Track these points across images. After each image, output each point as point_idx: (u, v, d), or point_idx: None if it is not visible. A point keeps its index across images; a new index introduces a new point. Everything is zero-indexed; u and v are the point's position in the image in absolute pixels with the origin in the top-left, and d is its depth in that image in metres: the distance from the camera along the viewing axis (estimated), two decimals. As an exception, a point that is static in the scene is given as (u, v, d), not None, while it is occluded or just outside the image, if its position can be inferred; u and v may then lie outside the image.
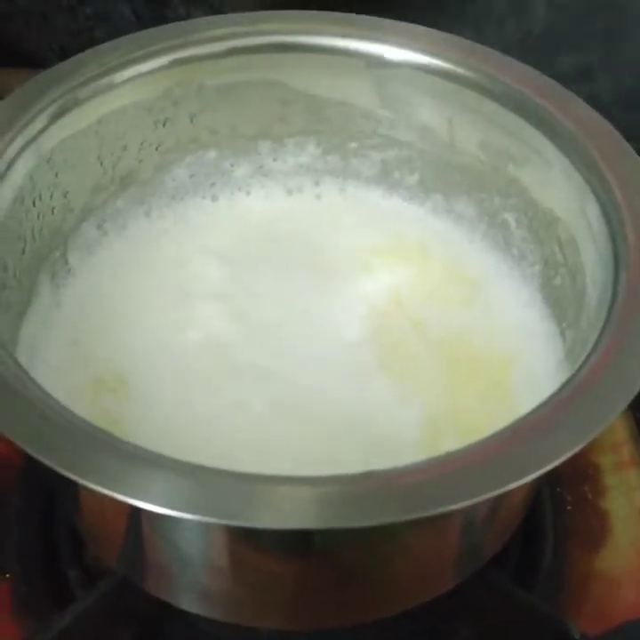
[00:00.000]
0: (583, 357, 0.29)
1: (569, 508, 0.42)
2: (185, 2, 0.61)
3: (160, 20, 0.60)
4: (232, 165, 0.45)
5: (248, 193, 0.45)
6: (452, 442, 0.33)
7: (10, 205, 0.36)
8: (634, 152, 0.35)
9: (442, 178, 0.43)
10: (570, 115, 0.37)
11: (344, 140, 0.44)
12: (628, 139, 0.36)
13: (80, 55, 0.39)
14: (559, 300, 0.38)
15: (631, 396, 0.27)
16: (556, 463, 0.26)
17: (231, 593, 0.33)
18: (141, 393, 0.37)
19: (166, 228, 0.44)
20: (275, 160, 0.45)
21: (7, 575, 0.39)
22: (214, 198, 0.45)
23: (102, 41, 0.61)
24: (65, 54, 0.61)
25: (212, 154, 0.44)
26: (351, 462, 0.34)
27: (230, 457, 0.32)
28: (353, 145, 0.44)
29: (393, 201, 0.45)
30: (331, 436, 0.36)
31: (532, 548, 0.40)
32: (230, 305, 0.41)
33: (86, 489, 0.26)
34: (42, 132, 0.37)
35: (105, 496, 0.26)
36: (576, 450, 0.26)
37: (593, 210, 0.34)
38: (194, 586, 0.33)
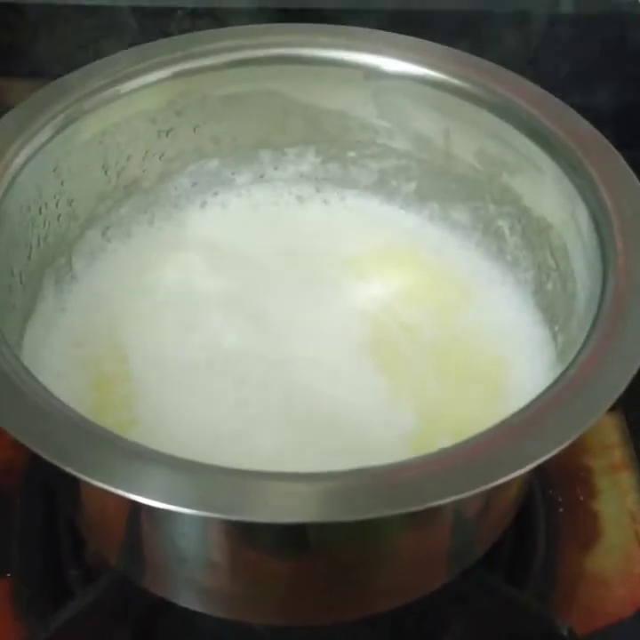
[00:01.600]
0: (570, 359, 0.30)
1: (561, 509, 0.43)
2: (189, 14, 0.62)
3: (165, 32, 0.61)
4: (234, 174, 0.46)
5: (249, 201, 0.46)
6: (445, 443, 0.34)
7: (17, 213, 0.37)
8: (624, 161, 0.36)
9: (438, 186, 0.44)
10: (561, 123, 0.38)
11: (343, 149, 0.45)
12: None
13: (85, 67, 0.40)
14: (551, 305, 0.39)
15: (616, 396, 0.28)
16: (542, 460, 0.27)
17: (228, 589, 0.34)
18: (143, 397, 0.38)
19: (169, 235, 0.45)
20: (275, 169, 0.46)
21: (8, 575, 0.40)
22: (216, 206, 0.46)
23: (108, 53, 0.63)
24: (71, 65, 0.63)
25: (214, 163, 0.45)
26: (345, 462, 0.34)
27: (231, 459, 0.33)
28: (351, 154, 0.45)
29: (390, 209, 0.46)
30: (326, 437, 0.36)
31: (524, 548, 0.41)
32: (230, 311, 0.42)
33: (87, 485, 0.27)
34: (48, 142, 0.38)
35: (105, 491, 0.27)
36: (562, 447, 0.27)
37: (583, 216, 0.35)
38: (191, 582, 0.34)
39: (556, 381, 0.29)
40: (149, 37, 0.61)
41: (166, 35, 0.61)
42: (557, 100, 0.39)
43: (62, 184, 0.39)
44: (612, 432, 0.46)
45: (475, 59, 0.41)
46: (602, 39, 0.59)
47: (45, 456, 0.27)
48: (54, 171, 0.39)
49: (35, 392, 0.30)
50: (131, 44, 0.61)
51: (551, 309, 0.39)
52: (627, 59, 0.59)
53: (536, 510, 0.42)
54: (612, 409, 0.46)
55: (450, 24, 0.59)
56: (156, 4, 0.61)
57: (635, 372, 0.29)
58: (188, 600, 0.35)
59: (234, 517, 0.26)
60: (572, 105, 0.39)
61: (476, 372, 0.39)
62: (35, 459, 0.41)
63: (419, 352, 0.40)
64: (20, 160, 0.37)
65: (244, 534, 0.30)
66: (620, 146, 0.37)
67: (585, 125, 0.37)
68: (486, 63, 0.40)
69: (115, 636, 0.38)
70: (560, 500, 0.43)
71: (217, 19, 0.61)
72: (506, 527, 0.37)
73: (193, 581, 0.34)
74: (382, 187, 0.45)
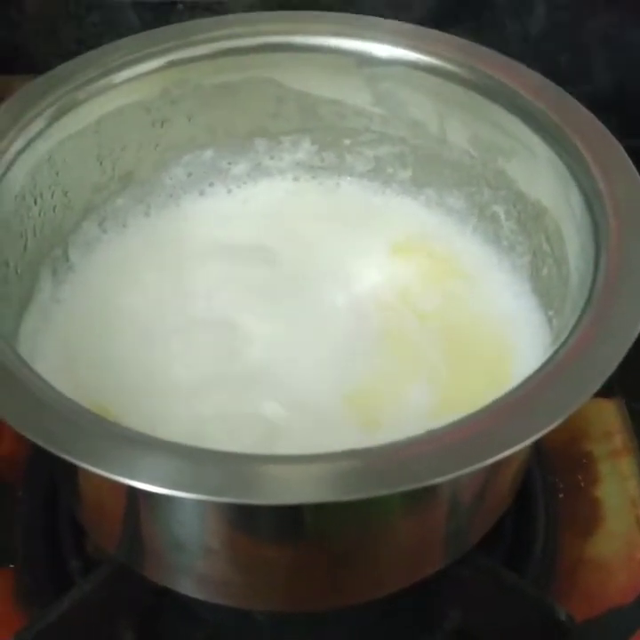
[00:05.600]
0: (562, 341, 0.30)
1: (561, 495, 0.43)
2: (190, 9, 0.62)
3: (165, 25, 0.61)
4: (229, 164, 0.46)
5: (246, 190, 0.46)
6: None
7: (11, 203, 0.37)
8: (617, 142, 0.36)
9: (433, 172, 0.44)
10: (555, 107, 0.37)
11: (338, 136, 0.45)
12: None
13: (79, 57, 0.40)
14: (547, 290, 0.39)
15: (606, 376, 0.28)
16: (533, 439, 0.27)
17: (226, 575, 0.34)
18: (133, 386, 0.38)
19: (165, 225, 0.45)
20: (271, 158, 0.46)
21: (11, 565, 0.40)
22: (212, 196, 0.46)
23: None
24: (72, 61, 0.63)
25: (210, 153, 0.45)
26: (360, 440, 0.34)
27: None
28: (347, 142, 0.45)
29: (387, 196, 0.46)
30: (337, 425, 0.36)
31: (524, 534, 0.41)
32: (229, 300, 0.42)
33: (85, 474, 0.27)
34: (42, 132, 0.38)
35: (102, 479, 0.27)
36: (550, 428, 0.27)
37: (576, 200, 0.35)
38: (189, 569, 0.34)
39: (546, 363, 0.29)
40: (150, 31, 0.62)
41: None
42: (551, 84, 0.38)
43: (57, 174, 0.40)
44: (613, 418, 0.46)
45: (468, 43, 0.40)
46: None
47: (42, 444, 0.28)
48: (48, 161, 0.39)
49: (31, 382, 0.30)
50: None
51: (547, 294, 0.39)
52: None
53: (536, 496, 0.42)
54: (613, 395, 0.46)
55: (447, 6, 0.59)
56: (156, -2, 0.61)
57: (625, 352, 0.29)
58: (187, 587, 0.35)
59: (229, 500, 0.26)
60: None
61: (482, 357, 0.39)
62: (36, 451, 0.41)
63: (425, 338, 0.40)
64: (14, 150, 0.37)
65: (241, 518, 0.31)
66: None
67: (579, 109, 0.37)
68: (479, 47, 0.40)
69: (115, 624, 0.38)
70: (561, 486, 0.43)
71: (217, 12, 0.61)
72: (504, 512, 0.37)
73: (191, 568, 0.34)
74: (378, 174, 0.45)
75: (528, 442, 0.27)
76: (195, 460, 0.27)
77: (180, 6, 0.62)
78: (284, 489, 0.26)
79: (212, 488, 0.26)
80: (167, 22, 0.62)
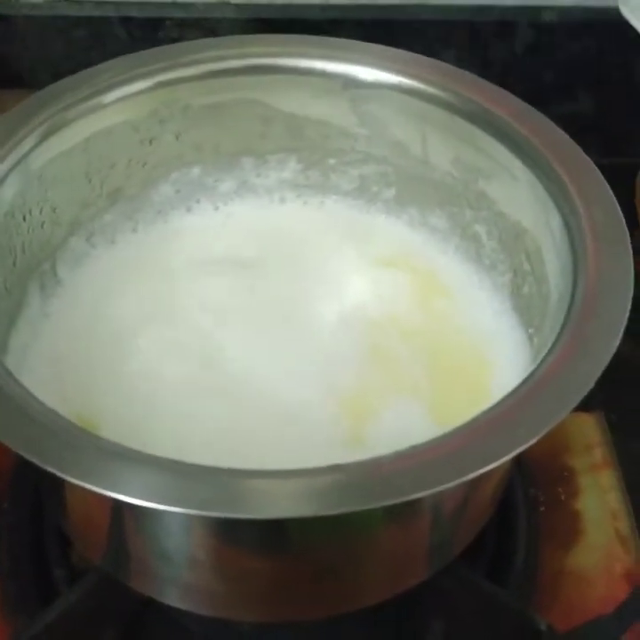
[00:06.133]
0: (541, 358, 0.31)
1: (542, 508, 0.44)
2: (178, 25, 0.62)
3: (154, 42, 0.62)
4: (216, 181, 0.46)
5: (232, 208, 0.47)
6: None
7: (1, 221, 0.37)
8: (595, 167, 0.37)
9: (416, 192, 0.45)
10: (535, 130, 0.38)
11: (324, 156, 0.46)
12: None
13: (69, 78, 0.41)
14: (527, 308, 0.40)
15: (585, 392, 0.29)
16: (510, 456, 0.27)
17: (212, 586, 0.34)
18: (119, 400, 0.38)
19: (153, 241, 0.45)
20: (258, 176, 0.47)
21: (-3, 576, 0.41)
22: (199, 213, 0.47)
23: (98, 63, 0.64)
24: (60, 76, 0.63)
25: (197, 170, 0.45)
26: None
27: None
28: (332, 161, 0.46)
29: (371, 214, 0.47)
30: (322, 438, 0.37)
31: (506, 546, 0.42)
32: (216, 317, 0.42)
33: (70, 486, 0.28)
34: (32, 150, 0.38)
35: (87, 491, 0.27)
36: (530, 443, 0.28)
37: (556, 221, 0.36)
38: (175, 580, 0.34)
39: (526, 380, 0.30)
40: (139, 47, 0.62)
41: (155, 44, 0.62)
42: (530, 108, 0.40)
43: (46, 191, 0.40)
44: (593, 432, 0.47)
45: (449, 67, 0.41)
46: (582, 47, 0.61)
47: (28, 457, 0.28)
48: (38, 179, 0.39)
49: (18, 395, 0.30)
50: (120, 55, 0.63)
51: (528, 312, 0.40)
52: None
53: (518, 509, 0.43)
54: (593, 409, 0.47)
55: (433, 33, 0.61)
56: (145, 14, 0.62)
57: (603, 369, 0.30)
58: (172, 598, 0.36)
59: (215, 514, 0.27)
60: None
61: (463, 375, 0.40)
62: (21, 462, 0.42)
63: (406, 354, 0.41)
64: (3, 169, 0.37)
65: (226, 531, 0.31)
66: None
67: (558, 132, 0.38)
68: (460, 72, 0.41)
69: (101, 634, 0.39)
70: (541, 499, 0.44)
71: (205, 29, 0.62)
72: (486, 524, 0.38)
73: (176, 579, 0.35)
74: (363, 192, 0.46)
75: (509, 456, 0.27)
76: (180, 474, 0.28)
77: (168, 22, 0.62)
78: (269, 503, 0.27)
79: (197, 502, 0.27)
80: (155, 38, 0.63)
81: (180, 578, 0.34)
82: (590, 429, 0.47)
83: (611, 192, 0.36)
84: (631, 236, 0.34)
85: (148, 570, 0.35)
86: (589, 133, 0.61)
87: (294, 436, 0.37)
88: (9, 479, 0.43)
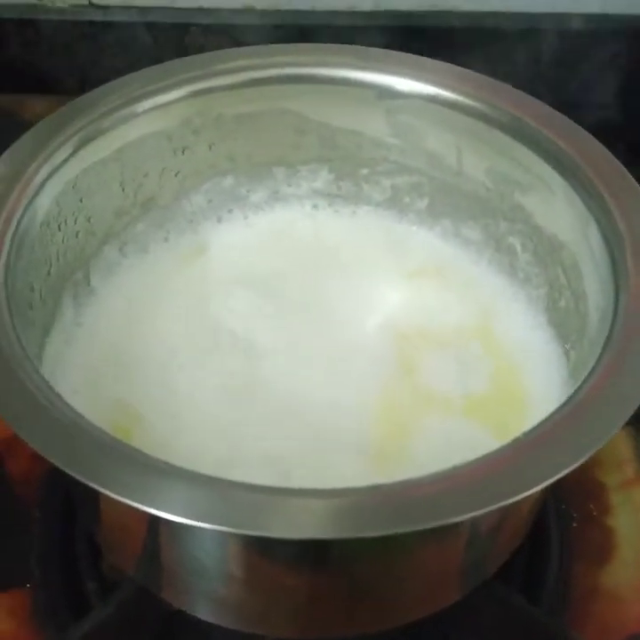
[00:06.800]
0: (583, 378, 0.30)
1: (575, 524, 0.43)
2: (204, 30, 0.63)
3: (179, 47, 0.62)
4: (248, 191, 0.46)
5: (264, 217, 0.47)
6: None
7: (37, 230, 0.37)
8: (634, 180, 0.36)
9: (450, 203, 0.44)
10: (573, 144, 0.38)
11: (356, 166, 0.45)
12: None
13: (102, 87, 0.41)
14: (563, 322, 0.39)
15: (627, 416, 0.29)
16: (553, 480, 0.27)
17: (245, 602, 0.34)
18: (152, 410, 0.38)
19: (184, 251, 0.45)
20: (289, 186, 0.46)
21: (28, 585, 0.40)
22: (231, 222, 0.47)
23: (123, 68, 0.63)
24: (87, 81, 0.64)
25: (229, 180, 0.45)
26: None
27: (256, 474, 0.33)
28: (364, 171, 0.45)
29: (403, 225, 0.46)
30: (352, 452, 0.37)
31: (538, 563, 0.41)
32: (246, 326, 0.42)
33: (106, 499, 0.28)
34: (67, 160, 0.38)
35: (127, 506, 0.27)
36: (574, 466, 0.27)
37: (595, 237, 0.36)
38: (208, 594, 0.34)
39: (568, 400, 0.29)
40: (164, 53, 0.62)
41: (180, 50, 0.62)
42: (568, 120, 0.39)
43: (81, 201, 0.40)
44: (624, 448, 0.46)
45: (485, 78, 0.41)
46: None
47: (68, 470, 0.28)
48: (73, 188, 0.39)
49: (56, 407, 0.30)
50: (145, 60, 0.63)
51: (563, 327, 0.39)
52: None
53: (550, 525, 0.42)
54: (625, 425, 0.47)
55: (460, 39, 0.60)
56: (170, 20, 0.62)
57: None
58: (205, 612, 0.36)
59: (249, 532, 0.27)
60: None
61: (497, 388, 0.40)
62: (53, 470, 0.42)
63: (440, 368, 0.41)
64: (39, 179, 0.37)
65: (261, 548, 0.31)
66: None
67: (596, 145, 0.38)
68: (497, 83, 0.41)
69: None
70: (574, 515, 0.43)
71: (230, 35, 0.62)
72: (520, 542, 0.38)
73: (210, 594, 0.34)
74: (395, 203, 0.46)
75: (549, 482, 0.27)
76: (218, 491, 0.28)
77: (194, 28, 0.63)
78: (307, 523, 0.26)
79: (234, 520, 0.27)
80: (181, 44, 0.64)
81: (212, 592, 0.34)
82: (621, 446, 0.46)
83: (651, 207, 0.35)
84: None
85: (181, 583, 0.35)
86: (617, 141, 0.62)
87: (327, 450, 0.37)
88: (40, 487, 0.43)
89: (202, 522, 0.27)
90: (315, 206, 0.47)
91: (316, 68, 0.42)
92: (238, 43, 0.62)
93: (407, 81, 0.42)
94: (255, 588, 0.33)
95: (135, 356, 0.41)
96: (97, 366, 0.40)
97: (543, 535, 0.42)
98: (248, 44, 0.61)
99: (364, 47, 0.43)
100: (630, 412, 0.29)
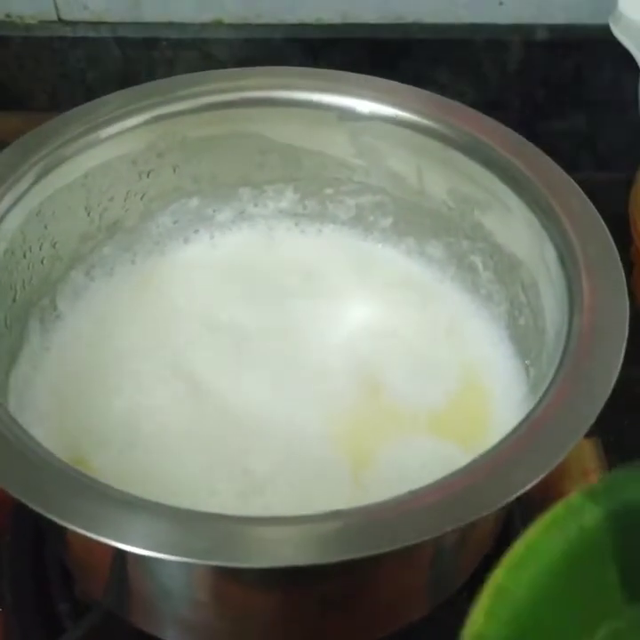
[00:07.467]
0: (538, 397, 0.31)
1: (541, 535, 0.44)
2: (172, 45, 0.63)
3: (149, 61, 0.63)
4: (214, 211, 0.47)
5: (230, 238, 0.47)
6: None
7: (1, 258, 0.37)
8: (589, 200, 0.37)
9: (413, 222, 0.45)
10: (529, 164, 0.39)
11: (320, 186, 0.46)
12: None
13: (65, 114, 0.41)
14: (523, 339, 0.40)
15: (581, 435, 0.29)
16: (511, 498, 0.28)
17: (213, 626, 0.34)
18: (117, 436, 0.38)
19: (151, 272, 0.46)
20: (255, 205, 0.47)
21: (0, 609, 0.41)
22: (197, 243, 0.47)
23: (93, 83, 0.64)
24: (56, 96, 0.64)
25: (195, 201, 0.46)
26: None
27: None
28: (329, 191, 0.46)
29: (368, 243, 0.47)
30: (323, 477, 0.37)
31: (504, 575, 0.42)
32: (212, 347, 0.43)
33: (71, 530, 0.28)
34: (31, 187, 0.39)
35: (90, 538, 0.28)
36: (534, 482, 0.28)
37: (551, 255, 0.36)
38: (177, 619, 0.35)
39: (526, 418, 0.30)
40: (133, 67, 0.63)
41: (150, 65, 0.63)
42: (525, 141, 0.40)
43: (46, 227, 0.40)
44: (589, 457, 0.47)
45: (445, 100, 0.42)
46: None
47: (29, 503, 0.28)
48: (37, 215, 0.40)
49: (19, 439, 0.30)
50: (115, 75, 0.63)
51: (523, 343, 0.40)
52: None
53: (516, 536, 0.43)
54: (589, 434, 0.47)
55: (426, 52, 0.61)
56: (140, 34, 0.62)
57: (600, 409, 0.30)
58: (174, 636, 0.36)
59: (215, 563, 0.27)
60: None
61: (460, 403, 0.40)
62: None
63: (407, 384, 0.41)
64: (3, 207, 0.38)
65: (227, 575, 0.31)
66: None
67: (552, 166, 0.39)
68: (456, 104, 0.41)
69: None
70: (540, 524, 0.44)
71: (200, 49, 0.63)
72: (486, 554, 0.38)
73: (178, 618, 0.35)
74: (360, 221, 0.47)
75: (508, 500, 0.28)
76: (181, 522, 0.28)
77: (164, 42, 0.63)
78: (270, 552, 0.27)
79: (199, 551, 0.27)
80: (150, 58, 0.64)
81: (181, 617, 0.34)
82: (586, 455, 0.47)
83: (605, 228, 0.36)
84: (626, 251, 0.35)
85: (150, 608, 0.35)
86: (582, 149, 0.63)
87: (294, 474, 0.37)
88: (11, 512, 0.43)
89: (166, 554, 0.27)
90: (280, 225, 0.47)
91: (278, 90, 0.43)
92: (208, 56, 0.62)
93: (367, 103, 0.42)
94: (222, 612, 0.33)
95: (101, 379, 0.41)
96: (63, 391, 0.40)
97: (509, 546, 0.42)
98: (218, 58, 0.62)
99: (324, 70, 0.43)
100: (585, 429, 0.29)
